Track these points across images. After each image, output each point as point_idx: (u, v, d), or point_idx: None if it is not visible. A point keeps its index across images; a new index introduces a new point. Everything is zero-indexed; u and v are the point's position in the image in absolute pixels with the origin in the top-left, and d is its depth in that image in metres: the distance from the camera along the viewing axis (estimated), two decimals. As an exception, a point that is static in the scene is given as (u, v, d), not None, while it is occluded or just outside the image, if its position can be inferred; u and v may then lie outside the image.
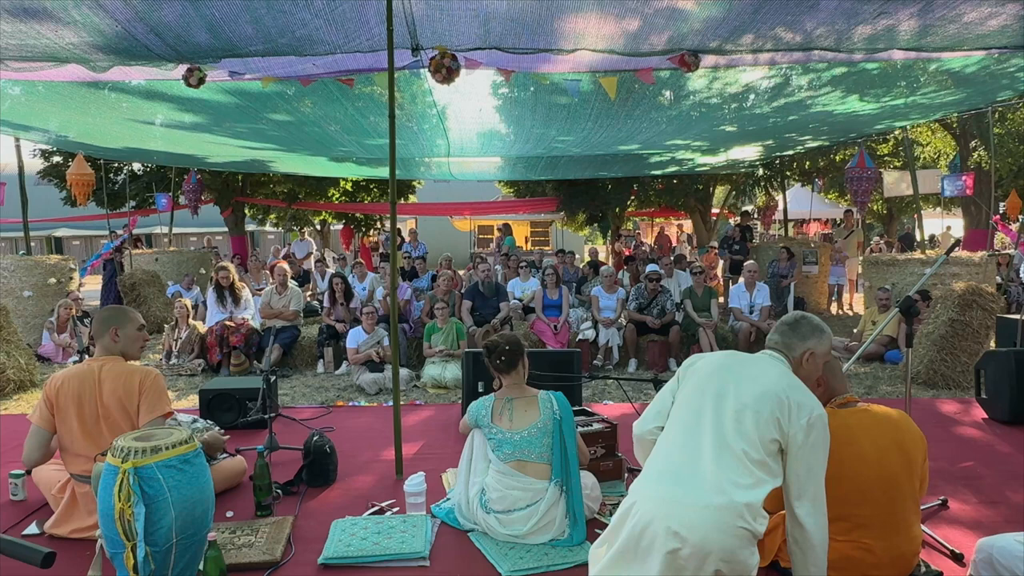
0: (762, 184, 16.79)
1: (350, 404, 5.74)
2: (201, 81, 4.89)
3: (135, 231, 14.06)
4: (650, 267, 9.34)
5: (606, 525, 3.15)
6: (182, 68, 4.81)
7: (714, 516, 2.03)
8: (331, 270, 11.16)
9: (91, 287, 16.06)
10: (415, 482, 3.40)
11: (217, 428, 4.06)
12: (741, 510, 2.04)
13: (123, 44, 4.38)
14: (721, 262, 12.71)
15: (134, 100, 6.35)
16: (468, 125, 7.61)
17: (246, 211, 17.61)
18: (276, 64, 4.94)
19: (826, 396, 2.55)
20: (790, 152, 11.45)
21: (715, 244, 14.77)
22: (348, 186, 17.61)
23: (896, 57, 5.03)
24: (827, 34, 4.49)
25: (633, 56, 4.75)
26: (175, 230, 14.11)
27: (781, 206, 14.15)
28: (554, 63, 5.15)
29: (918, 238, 11.58)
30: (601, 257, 14.05)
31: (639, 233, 23.69)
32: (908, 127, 9.07)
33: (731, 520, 2.03)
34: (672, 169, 12.19)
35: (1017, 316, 6.16)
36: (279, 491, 3.60)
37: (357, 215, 19.39)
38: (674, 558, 2.04)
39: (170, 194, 12.82)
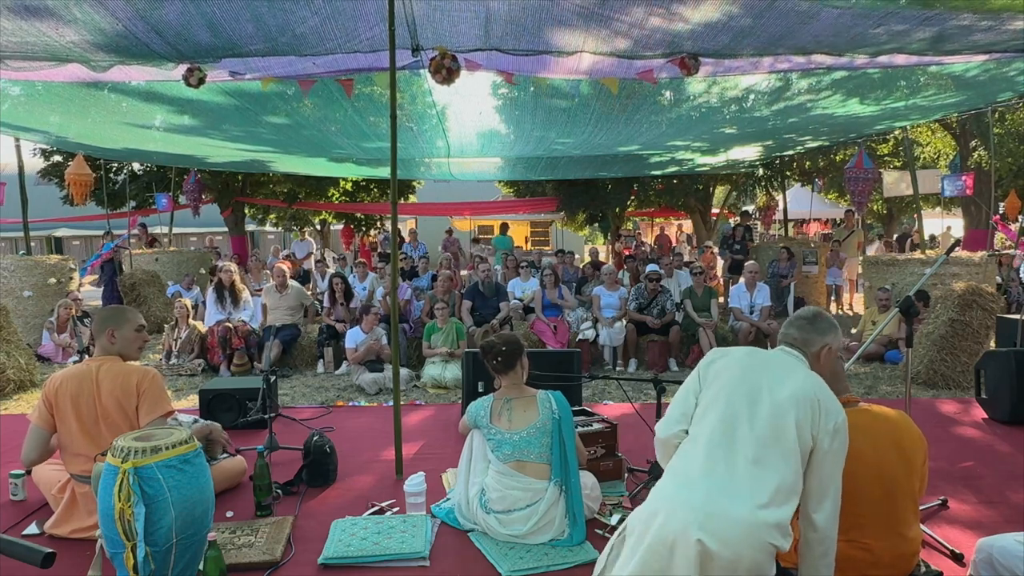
0: (762, 184, 16.80)
1: (350, 404, 5.74)
2: (201, 81, 4.88)
3: (150, 230, 14.11)
4: (650, 267, 9.34)
5: (606, 525, 3.17)
6: (182, 68, 4.81)
7: (748, 532, 1.99)
8: (331, 270, 11.17)
9: (91, 287, 16.07)
10: (415, 482, 3.40)
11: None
12: (772, 528, 2.00)
13: (123, 43, 4.38)
14: (721, 262, 12.71)
15: (133, 101, 6.36)
16: (468, 127, 7.62)
17: (246, 211, 17.61)
18: (276, 64, 4.94)
19: None
20: (790, 152, 11.45)
21: (710, 244, 14.77)
22: (348, 186, 17.62)
23: (898, 61, 5.05)
24: (827, 45, 4.51)
25: (634, 59, 4.76)
26: (175, 230, 14.11)
27: (781, 206, 14.16)
28: (554, 69, 5.16)
29: (917, 238, 11.58)
30: (601, 257, 14.06)
31: (639, 233, 23.69)
32: (908, 127, 9.08)
33: (763, 536, 1.99)
34: (672, 169, 12.20)
35: (1017, 316, 6.16)
36: (279, 491, 3.60)
37: (357, 215, 19.39)
38: (704, 567, 1.99)
39: (170, 194, 12.82)
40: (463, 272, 12.22)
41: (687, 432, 2.27)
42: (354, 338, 6.54)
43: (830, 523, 2.14)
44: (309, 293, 11.24)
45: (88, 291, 13.28)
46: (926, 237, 10.82)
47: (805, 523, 2.18)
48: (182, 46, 4.47)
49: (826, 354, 2.37)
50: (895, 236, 17.23)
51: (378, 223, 20.21)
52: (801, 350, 2.36)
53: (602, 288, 7.58)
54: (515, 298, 8.31)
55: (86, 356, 7.17)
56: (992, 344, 6.26)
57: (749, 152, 10.37)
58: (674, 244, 17.84)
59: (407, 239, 14.21)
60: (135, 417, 3.02)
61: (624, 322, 7.34)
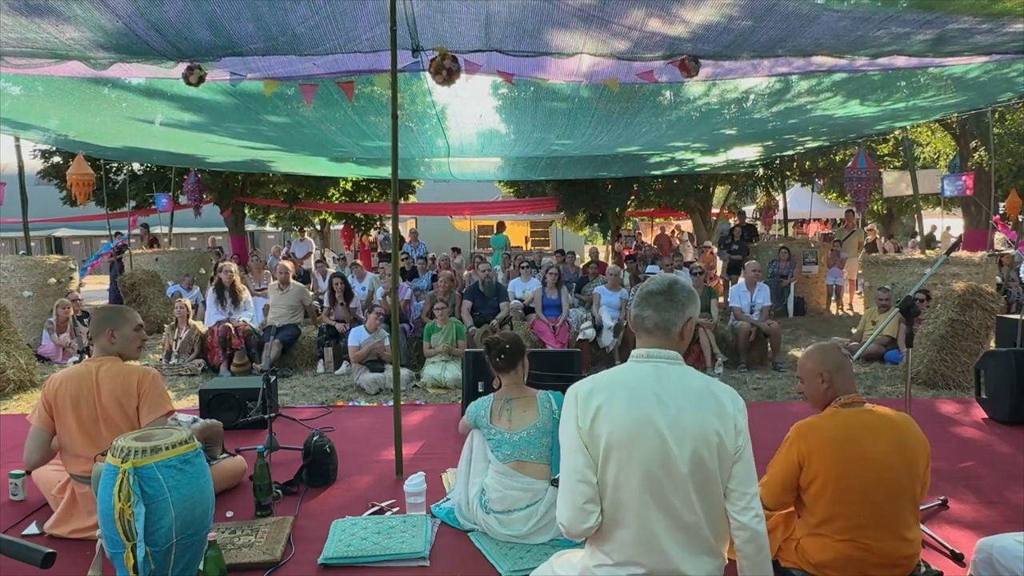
0: (762, 184, 16.80)
1: (350, 404, 5.74)
2: (201, 80, 4.87)
3: (152, 230, 14.14)
4: (650, 268, 9.35)
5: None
6: (182, 66, 4.81)
7: None
8: (331, 270, 11.17)
9: (91, 287, 16.08)
10: (415, 482, 3.40)
11: (217, 428, 4.06)
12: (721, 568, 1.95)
13: (123, 41, 4.38)
14: (720, 262, 12.71)
15: (134, 98, 6.34)
16: (468, 127, 7.62)
17: (246, 211, 17.61)
18: (276, 64, 4.93)
19: (831, 395, 2.54)
20: (790, 152, 11.45)
21: (709, 244, 14.77)
22: (348, 186, 17.62)
23: (898, 63, 5.05)
24: (827, 47, 4.52)
25: (634, 61, 4.76)
26: (175, 230, 14.11)
27: (781, 206, 14.16)
28: (553, 72, 5.16)
29: (918, 238, 11.58)
30: (601, 257, 14.07)
31: (639, 233, 23.68)
32: (908, 127, 9.08)
33: None
34: (672, 169, 12.21)
35: (1017, 316, 6.16)
36: (279, 491, 3.60)
37: (357, 215, 19.39)
38: None
39: (170, 194, 12.83)
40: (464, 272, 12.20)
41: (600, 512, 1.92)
42: (358, 337, 6.54)
43: (758, 521, 1.94)
44: (311, 293, 11.29)
45: (88, 291, 13.28)
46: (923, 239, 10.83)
47: (741, 527, 1.94)
48: (182, 44, 4.47)
49: (688, 328, 2.10)
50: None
51: (378, 223, 20.22)
52: (666, 338, 2.06)
53: (603, 288, 7.58)
54: (515, 298, 8.32)
55: (86, 356, 7.19)
56: (992, 344, 6.26)
57: (749, 152, 10.37)
58: (677, 244, 17.82)
59: (407, 239, 14.20)
60: (135, 417, 3.02)
61: (623, 323, 7.34)
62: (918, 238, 11.28)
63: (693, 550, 1.88)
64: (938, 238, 17.42)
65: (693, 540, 1.88)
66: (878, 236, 14.08)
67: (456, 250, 13.73)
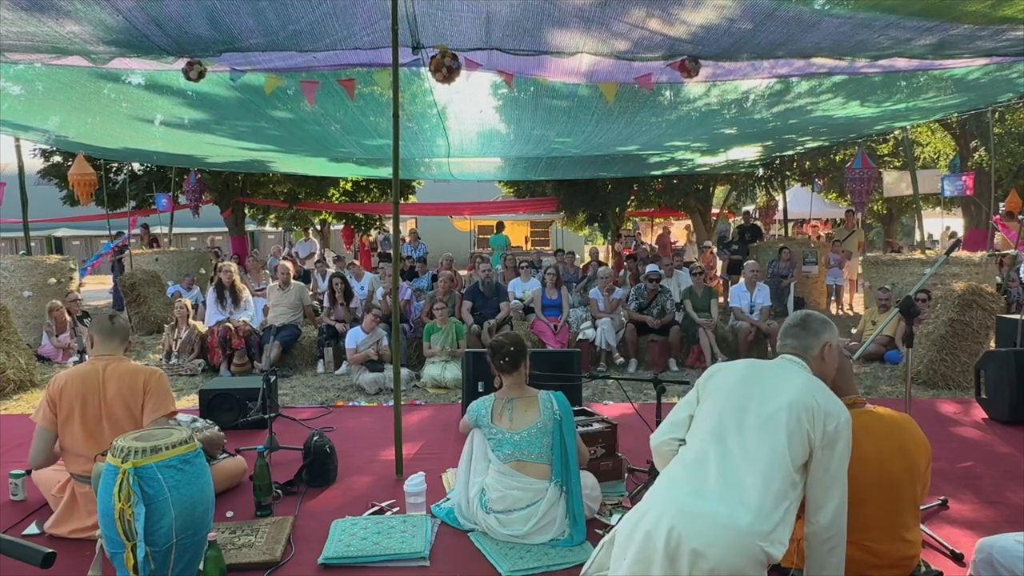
0: (762, 184, 16.78)
1: (350, 404, 5.74)
2: (201, 75, 4.87)
3: (152, 230, 14.15)
4: (650, 267, 9.33)
5: (606, 525, 3.17)
6: (182, 62, 4.81)
7: (724, 533, 1.97)
8: (331, 270, 11.17)
9: (91, 287, 16.08)
10: (415, 482, 3.40)
11: (216, 428, 4.05)
12: (755, 535, 1.97)
13: (124, 36, 4.38)
14: (720, 262, 12.70)
15: (135, 92, 6.30)
16: (468, 125, 7.61)
17: (246, 211, 17.60)
18: (277, 57, 4.93)
19: None
20: (790, 152, 11.45)
21: (710, 244, 14.77)
22: (348, 186, 17.60)
23: (899, 65, 5.05)
24: (827, 50, 4.52)
25: (634, 61, 4.75)
26: (175, 230, 14.11)
27: (781, 206, 14.14)
28: (553, 71, 5.15)
29: (918, 238, 11.58)
30: (601, 257, 14.04)
31: (639, 233, 23.66)
32: (908, 127, 9.07)
33: (742, 541, 1.97)
34: (672, 169, 12.20)
35: (1017, 316, 6.15)
36: (279, 491, 3.60)
37: (357, 215, 19.38)
38: (676, 561, 1.98)
39: (170, 194, 12.82)
40: (463, 272, 12.23)
41: (679, 441, 2.33)
42: (354, 338, 6.54)
43: (832, 522, 2.11)
44: (311, 293, 11.28)
45: (87, 291, 13.29)
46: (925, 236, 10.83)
47: (807, 523, 2.16)
48: (182, 39, 4.46)
49: (828, 352, 2.36)
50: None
51: (378, 223, 20.21)
52: (803, 357, 2.35)
53: (597, 291, 7.59)
54: (515, 298, 8.32)
55: (86, 356, 7.18)
56: (992, 344, 6.26)
57: (749, 152, 10.37)
58: (683, 245, 17.78)
59: (407, 239, 14.19)
60: (140, 415, 3.04)
61: (625, 322, 7.34)
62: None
63: (730, 498, 2.03)
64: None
65: (735, 488, 2.05)
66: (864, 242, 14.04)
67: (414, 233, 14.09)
